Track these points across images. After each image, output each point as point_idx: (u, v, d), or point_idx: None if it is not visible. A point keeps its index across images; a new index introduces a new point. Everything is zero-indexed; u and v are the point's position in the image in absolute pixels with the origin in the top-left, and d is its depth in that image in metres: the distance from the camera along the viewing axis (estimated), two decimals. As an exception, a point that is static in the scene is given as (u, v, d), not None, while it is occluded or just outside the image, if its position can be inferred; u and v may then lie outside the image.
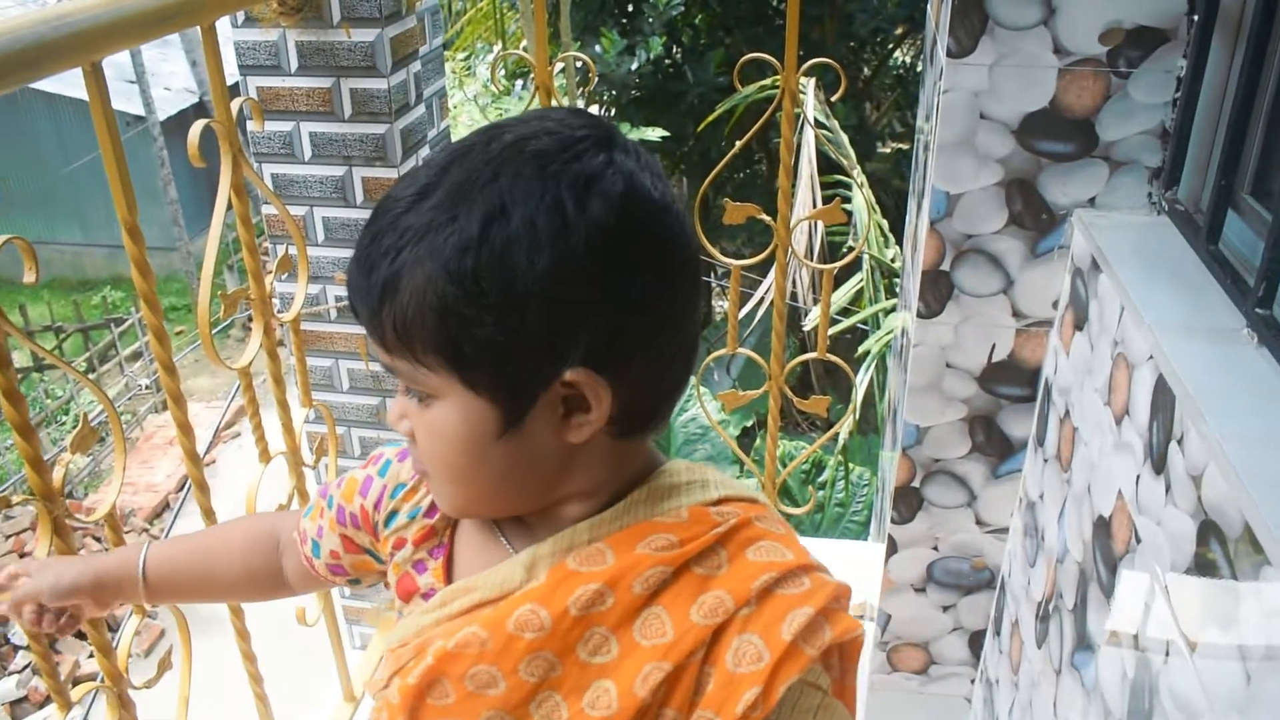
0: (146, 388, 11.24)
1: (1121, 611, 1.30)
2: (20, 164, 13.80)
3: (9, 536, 7.80)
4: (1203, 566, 1.07)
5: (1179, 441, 1.14)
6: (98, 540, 6.95)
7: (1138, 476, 1.26)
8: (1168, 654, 1.13)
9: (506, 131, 0.72)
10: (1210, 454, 1.05)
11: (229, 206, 1.60)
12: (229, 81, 1.61)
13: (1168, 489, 1.16)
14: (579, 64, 7.27)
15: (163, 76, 13.81)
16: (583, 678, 0.77)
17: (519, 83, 7.64)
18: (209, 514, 1.62)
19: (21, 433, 1.25)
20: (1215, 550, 1.04)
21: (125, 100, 12.39)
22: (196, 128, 1.53)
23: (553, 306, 0.69)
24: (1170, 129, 1.51)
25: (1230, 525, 1.01)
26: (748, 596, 0.75)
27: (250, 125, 1.83)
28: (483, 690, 0.79)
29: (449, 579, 0.86)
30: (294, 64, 1.80)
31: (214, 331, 1.54)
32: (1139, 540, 1.24)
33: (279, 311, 1.75)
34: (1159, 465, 1.19)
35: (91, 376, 10.86)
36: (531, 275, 0.68)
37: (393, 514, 0.90)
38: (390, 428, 0.80)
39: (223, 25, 1.57)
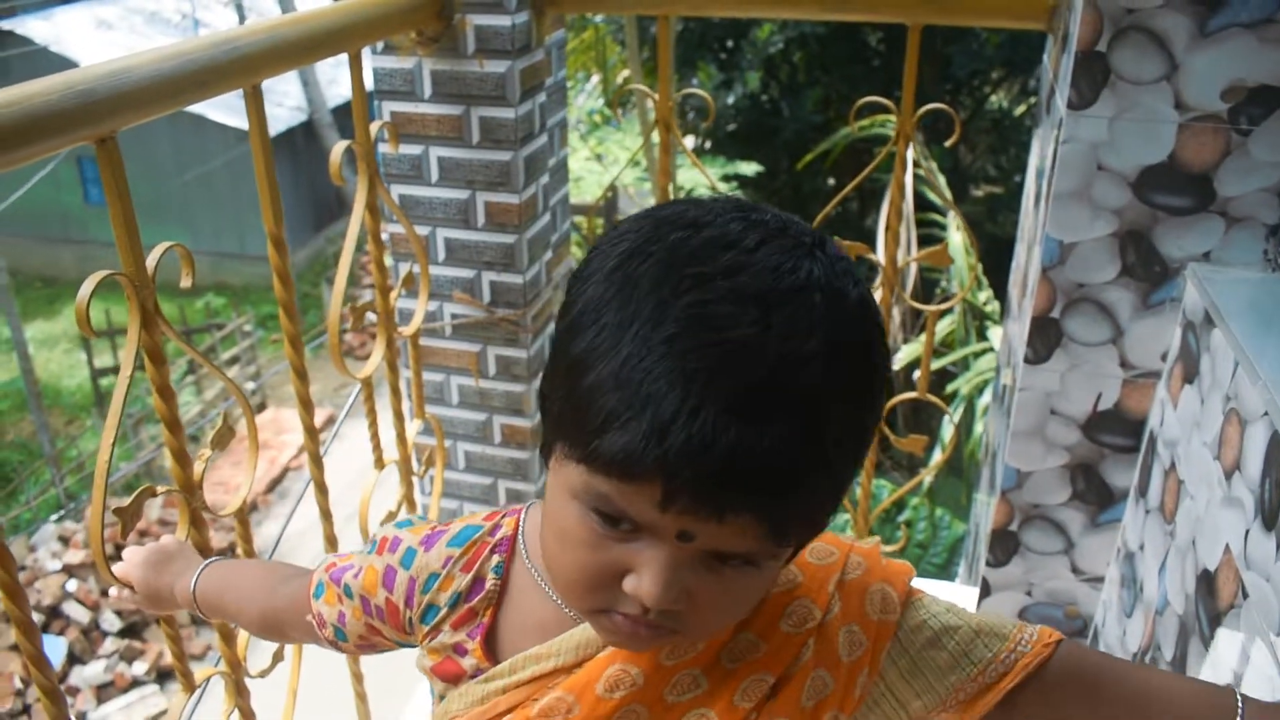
0: (253, 392, 11.60)
1: (1224, 665, 1.30)
2: (137, 173, 14.39)
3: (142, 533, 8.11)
4: (1314, 624, 1.07)
5: (1293, 498, 1.15)
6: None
7: (1247, 531, 1.26)
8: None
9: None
10: (1326, 512, 1.06)
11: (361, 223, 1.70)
12: (341, 102, 1.71)
13: (1279, 546, 1.17)
14: (689, 98, 7.37)
15: (276, 94, 14.32)
16: (670, 714, 0.79)
17: (621, 111, 7.77)
18: (327, 515, 1.70)
19: (171, 428, 1.34)
20: (1327, 608, 1.04)
21: (239, 117, 12.88)
22: (338, 149, 1.63)
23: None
24: (1290, 187, 1.51)
25: (1345, 584, 1.01)
26: (828, 600, 0.81)
27: (383, 147, 1.93)
28: None
29: (491, 655, 0.85)
30: (428, 91, 1.89)
31: (311, 346, 1.63)
32: (1245, 595, 1.25)
33: (400, 326, 1.83)
34: (1270, 521, 1.20)
35: (191, 379, 11.26)
36: (877, 420, 0.70)
37: (430, 608, 0.87)
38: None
39: (364, 51, 1.66)
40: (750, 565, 0.69)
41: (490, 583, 0.85)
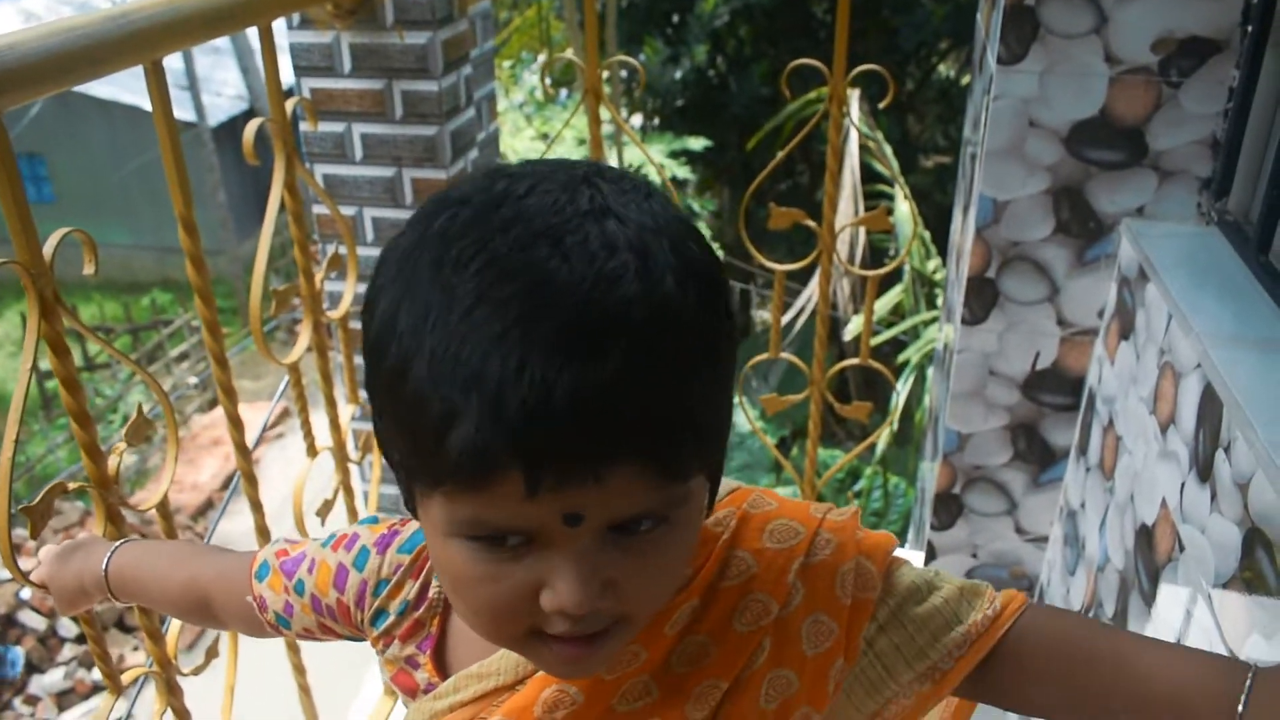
0: (194, 387, 11.42)
1: (1163, 620, 1.29)
2: (74, 168, 14.10)
3: (57, 531, 7.95)
4: (1248, 575, 1.06)
5: (1226, 450, 1.14)
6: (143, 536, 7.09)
7: (1182, 485, 1.25)
8: (1211, 662, 1.12)
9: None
10: (1259, 462, 1.05)
11: (281, 206, 1.64)
12: (284, 86, 1.65)
13: (1213, 497, 1.16)
14: (625, 71, 7.31)
15: (214, 83, 14.06)
16: None
17: (564, 91, 7.70)
18: (257, 506, 1.65)
19: (79, 421, 1.28)
20: (1262, 559, 1.03)
21: (178, 107, 12.47)
22: (252, 126, 1.57)
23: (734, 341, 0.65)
24: (1221, 139, 1.50)
25: (1278, 533, 1.00)
26: (788, 590, 0.74)
27: (304, 125, 1.86)
28: None
29: (440, 669, 0.81)
30: (347, 66, 1.83)
31: (243, 342, 1.58)
32: (1182, 549, 1.24)
33: (327, 309, 1.77)
34: (1204, 474, 1.19)
35: (138, 378, 11.06)
36: (729, 315, 0.63)
37: (380, 612, 0.83)
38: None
39: (278, 28, 1.60)
40: (663, 524, 0.61)
41: (434, 592, 0.80)
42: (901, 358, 4.51)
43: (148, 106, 1.38)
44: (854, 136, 5.22)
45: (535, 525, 0.59)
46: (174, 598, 0.99)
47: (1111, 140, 1.53)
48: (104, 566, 1.05)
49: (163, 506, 1.45)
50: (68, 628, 8.29)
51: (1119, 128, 1.53)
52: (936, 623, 0.76)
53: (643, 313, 0.56)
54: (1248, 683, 0.72)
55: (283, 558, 0.90)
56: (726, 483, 0.80)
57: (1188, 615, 1.21)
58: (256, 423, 9.95)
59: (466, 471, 0.56)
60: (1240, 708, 0.72)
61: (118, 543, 1.10)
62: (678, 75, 7.48)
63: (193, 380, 11.42)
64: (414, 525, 0.82)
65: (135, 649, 7.81)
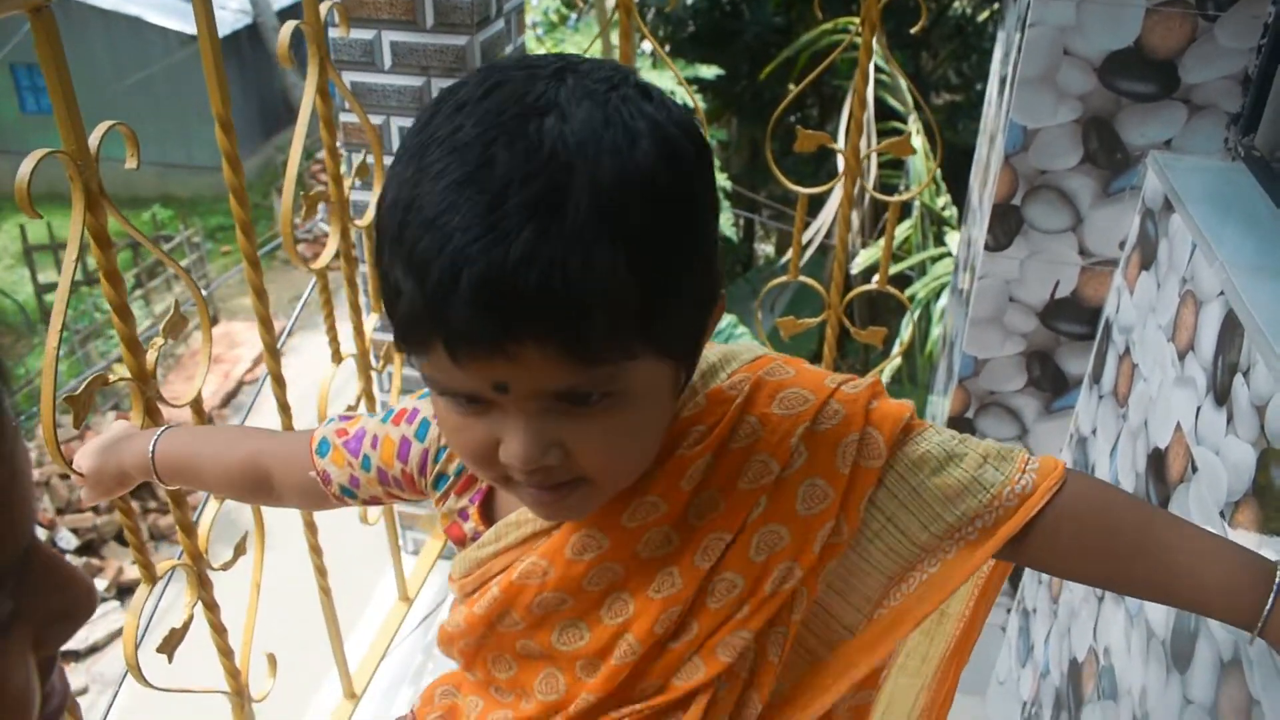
0: (192, 305, 11.43)
1: (1173, 540, 1.33)
2: (74, 79, 13.91)
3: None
4: (1261, 491, 1.10)
5: (1245, 374, 1.17)
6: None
7: (1198, 409, 1.28)
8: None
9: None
10: (1277, 384, 1.08)
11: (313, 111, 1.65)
12: (287, 5, 1.64)
13: (1229, 419, 1.19)
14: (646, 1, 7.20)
15: (217, -4, 13.83)
16: (647, 571, 0.81)
17: (574, 15, 7.60)
18: (285, 408, 1.68)
19: (120, 314, 1.31)
20: (1276, 476, 1.07)
21: (181, 20, 12.42)
22: (287, 28, 1.57)
23: (711, 222, 0.69)
24: (1253, 75, 1.51)
25: (1293, 452, 1.04)
26: (789, 454, 0.79)
27: (333, 32, 1.86)
28: (551, 611, 0.83)
29: (487, 519, 0.88)
30: (380, -28, 1.82)
31: (261, 254, 1.59)
32: (1195, 470, 1.28)
33: (354, 219, 1.79)
34: (1222, 397, 1.22)
35: (139, 292, 11.06)
36: (701, 194, 0.67)
37: (441, 476, 0.91)
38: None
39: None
40: (610, 398, 0.66)
41: (456, 480, 0.88)
42: (908, 292, 4.53)
43: (150, 17, 1.39)
44: (871, 68, 5.19)
45: (474, 390, 0.66)
46: (232, 476, 1.04)
47: (1144, 72, 1.54)
48: (151, 449, 1.09)
49: (196, 402, 1.49)
50: (68, 539, 8.39)
51: (1152, 60, 1.53)
52: (952, 488, 0.80)
53: (554, 201, 0.60)
54: (1276, 586, 0.77)
55: (343, 436, 0.95)
56: (752, 348, 0.87)
57: (1228, 538, 1.25)
58: (256, 342, 10.00)
59: (407, 339, 0.65)
60: (1267, 609, 0.76)
61: (161, 428, 1.13)
62: (689, 1, 7.38)
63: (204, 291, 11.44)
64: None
65: (132, 563, 7.94)
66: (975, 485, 0.79)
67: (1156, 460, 1.41)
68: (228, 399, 10.28)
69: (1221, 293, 1.27)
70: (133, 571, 7.63)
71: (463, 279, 0.59)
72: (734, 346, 0.87)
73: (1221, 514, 1.19)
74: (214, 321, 11.31)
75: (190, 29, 12.33)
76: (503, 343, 0.61)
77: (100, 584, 8.15)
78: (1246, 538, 1.12)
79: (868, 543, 0.82)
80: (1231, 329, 1.23)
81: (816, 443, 0.80)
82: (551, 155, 0.60)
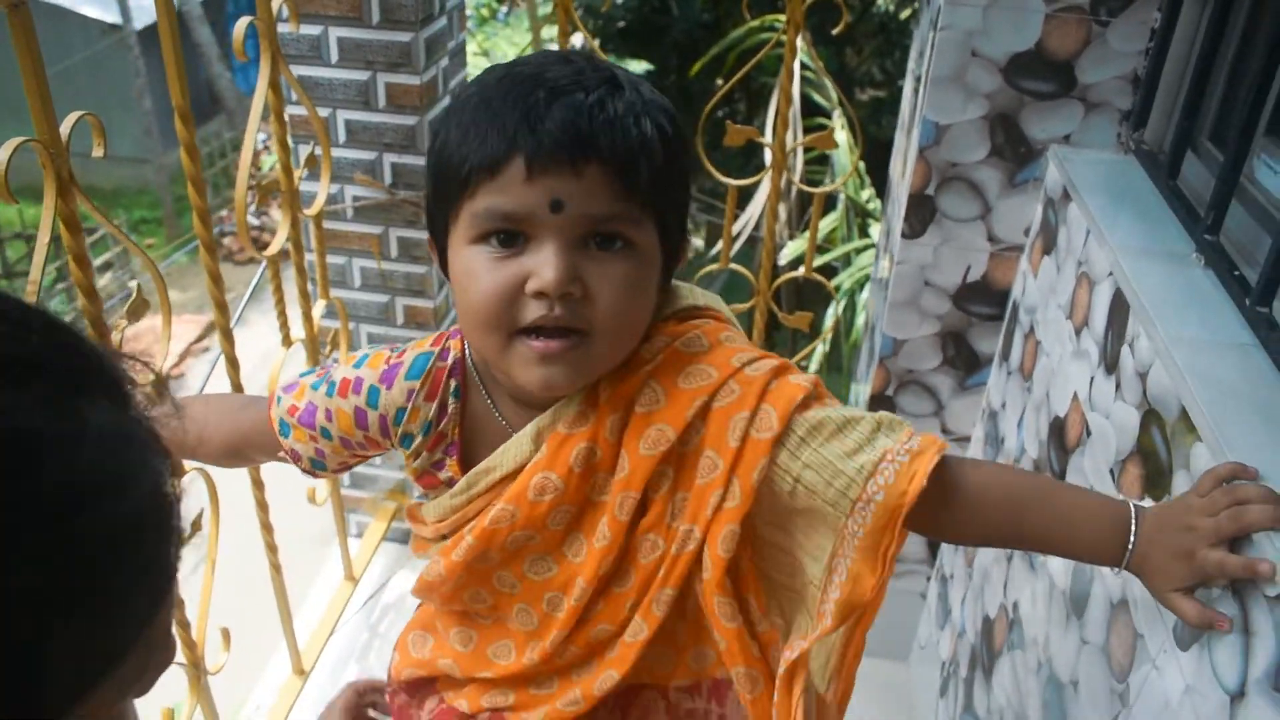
0: (130, 298, 11.18)
1: (1070, 499, 1.47)
2: (-8, 68, 13.51)
3: None
4: (1143, 450, 1.23)
5: (1130, 345, 1.30)
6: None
7: (1091, 378, 1.42)
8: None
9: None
10: (1156, 353, 1.21)
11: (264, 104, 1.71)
12: None
13: (1118, 386, 1.33)
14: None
15: (139, -16, 13.54)
16: (592, 519, 0.93)
17: (503, 9, 7.64)
18: (239, 389, 1.74)
19: (86, 294, 1.37)
20: (1155, 435, 1.20)
21: (102, 8, 12.14)
22: (241, 24, 1.63)
23: (688, 176, 0.90)
24: (1142, 76, 1.65)
25: (1169, 411, 1.17)
26: (686, 425, 0.89)
27: (283, 26, 1.91)
28: (522, 545, 0.94)
29: (464, 467, 0.97)
30: (326, -31, 1.89)
31: (186, 250, 1.65)
32: (1089, 434, 1.41)
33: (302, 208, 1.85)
34: (1111, 366, 1.36)
35: (61, 285, 10.82)
36: (685, 146, 0.89)
37: (406, 436, 0.97)
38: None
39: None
40: (629, 248, 0.83)
41: (452, 406, 0.96)
42: (834, 282, 4.67)
43: (70, 5, 1.43)
44: (796, 65, 5.33)
45: (530, 208, 0.80)
46: (219, 445, 1.10)
47: (1044, 72, 1.68)
48: None
49: (160, 380, 1.54)
50: None
51: (1052, 61, 1.67)
52: (848, 449, 0.89)
53: (615, 85, 0.83)
54: (1133, 522, 0.90)
55: (295, 414, 1.00)
56: (699, 301, 0.97)
57: (1091, 487, 1.38)
58: (182, 337, 9.83)
59: (487, 168, 0.79)
60: (1131, 540, 0.89)
61: None
62: (620, 0, 7.48)
63: (132, 283, 11.20)
64: (411, 353, 0.96)
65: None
66: (869, 445, 0.89)
67: (1057, 428, 1.54)
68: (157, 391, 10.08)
69: (1111, 273, 1.40)
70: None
71: (555, 105, 0.78)
72: (694, 292, 0.97)
73: (1111, 472, 1.32)
74: (140, 316, 11.11)
75: (111, 18, 12.07)
76: (576, 159, 0.78)
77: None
78: (1130, 490, 1.26)
79: (789, 499, 0.91)
80: (1119, 305, 1.36)
81: (712, 417, 0.90)
82: (603, 68, 0.84)
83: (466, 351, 0.96)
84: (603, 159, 0.79)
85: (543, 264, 0.80)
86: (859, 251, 4.81)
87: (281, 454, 1.04)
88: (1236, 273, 1.29)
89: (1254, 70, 1.28)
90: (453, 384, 0.95)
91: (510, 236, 0.81)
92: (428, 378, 0.95)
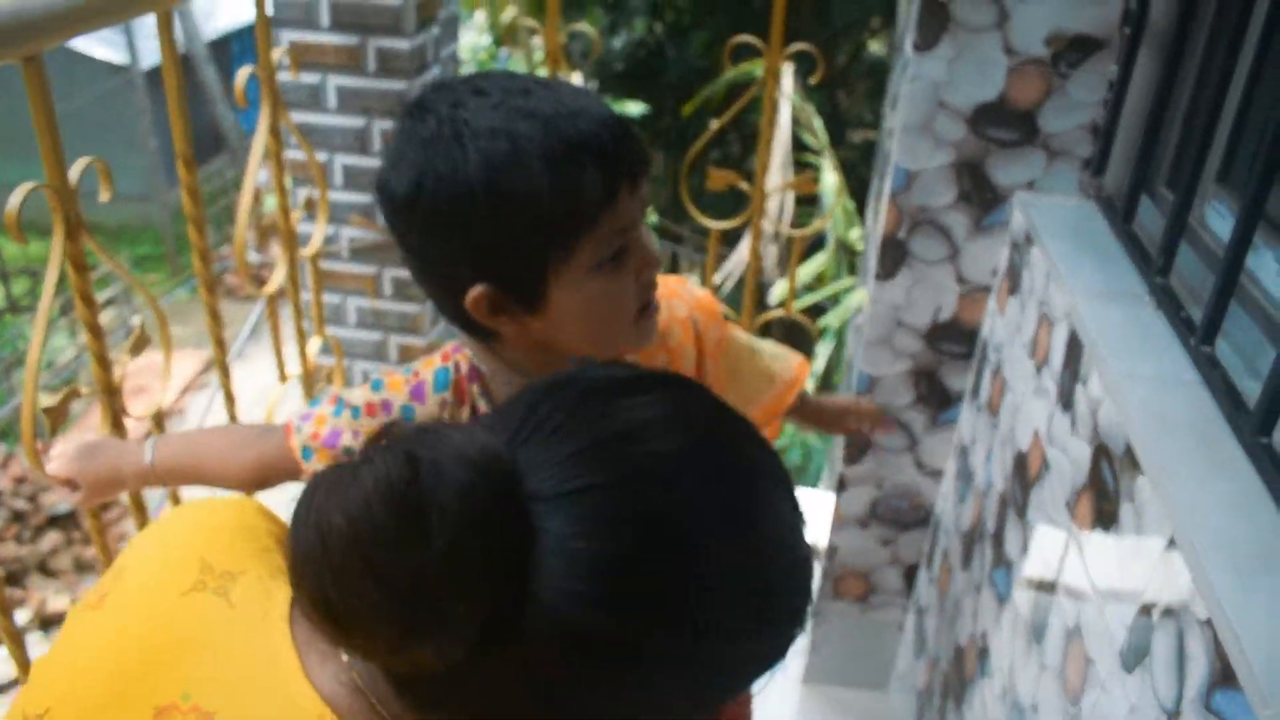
0: (131, 335, 11.26)
1: (1032, 528, 1.53)
2: (4, 111, 13.68)
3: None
4: (1095, 483, 1.29)
5: (1084, 382, 1.37)
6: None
7: (1050, 415, 1.49)
8: (1065, 554, 1.36)
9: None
10: (1107, 390, 1.28)
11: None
12: (216, 37, 1.79)
13: (1073, 422, 1.39)
14: (570, 37, 7.38)
15: (148, 26, 13.68)
16: None
17: (504, 51, 7.78)
18: (234, 419, 1.80)
19: (93, 331, 1.44)
20: (1104, 469, 1.27)
21: (110, 49, 12.32)
22: (243, 73, 1.72)
23: None
24: (1101, 125, 1.73)
25: (1117, 446, 1.23)
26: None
27: (283, 75, 2.00)
28: None
29: None
30: (326, 20, 1.98)
31: (186, 288, 1.72)
32: (1048, 468, 1.47)
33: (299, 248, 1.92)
34: (1067, 403, 1.42)
35: (63, 321, 10.91)
36: None
37: None
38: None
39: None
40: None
41: (483, 407, 1.04)
42: (822, 322, 4.75)
43: (78, 47, 1.51)
44: (786, 108, 5.44)
45: (634, 217, 0.94)
46: (241, 473, 1.15)
47: (1008, 122, 1.76)
48: (149, 459, 1.22)
49: (158, 416, 1.61)
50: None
51: (1015, 111, 1.75)
52: (760, 365, 1.37)
53: (616, 117, 0.94)
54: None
55: (318, 440, 1.06)
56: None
57: (1051, 520, 1.44)
58: (183, 372, 9.90)
59: (604, 195, 0.90)
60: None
61: (152, 438, 1.26)
62: (617, 45, 7.62)
63: (135, 318, 11.29)
64: (428, 370, 1.03)
65: (57, 593, 7.79)
66: (776, 360, 1.35)
67: (1019, 462, 1.60)
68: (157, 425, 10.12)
69: (1068, 314, 1.47)
70: (57, 603, 7.50)
71: (600, 126, 0.89)
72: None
73: (1067, 505, 1.39)
74: (142, 351, 11.18)
75: (118, 58, 12.23)
76: (637, 174, 0.93)
77: (23, 616, 7.97)
78: (1084, 524, 1.32)
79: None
80: (1075, 345, 1.43)
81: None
82: (550, 83, 0.92)
83: (473, 363, 1.03)
84: (643, 171, 0.94)
85: (646, 251, 0.96)
86: (847, 291, 4.89)
87: (303, 477, 1.09)
88: (1183, 313, 1.36)
89: (1201, 117, 1.36)
90: (475, 388, 1.02)
91: (618, 255, 0.94)
92: (453, 387, 1.02)
